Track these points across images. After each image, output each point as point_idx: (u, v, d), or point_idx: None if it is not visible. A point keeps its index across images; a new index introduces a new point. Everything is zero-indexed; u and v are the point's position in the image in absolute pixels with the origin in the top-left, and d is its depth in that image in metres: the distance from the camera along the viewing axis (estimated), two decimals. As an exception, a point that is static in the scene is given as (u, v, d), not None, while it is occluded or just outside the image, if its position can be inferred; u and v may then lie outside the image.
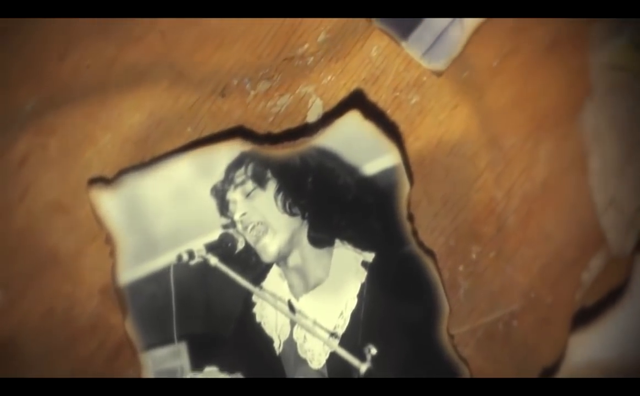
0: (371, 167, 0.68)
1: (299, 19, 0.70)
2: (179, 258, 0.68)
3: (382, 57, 0.69)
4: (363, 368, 0.65)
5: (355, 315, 0.68)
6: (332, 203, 0.68)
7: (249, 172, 0.68)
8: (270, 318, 0.70)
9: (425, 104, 0.69)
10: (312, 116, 0.70)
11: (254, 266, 0.69)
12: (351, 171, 0.68)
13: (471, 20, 0.66)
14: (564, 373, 0.66)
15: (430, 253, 0.68)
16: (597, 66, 0.67)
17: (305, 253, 0.68)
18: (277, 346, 0.69)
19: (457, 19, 0.66)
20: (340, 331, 0.68)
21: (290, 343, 0.69)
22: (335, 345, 0.67)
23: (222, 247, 0.68)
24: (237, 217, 0.68)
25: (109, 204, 0.68)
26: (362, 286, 0.68)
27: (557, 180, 0.68)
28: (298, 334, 0.69)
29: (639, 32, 0.66)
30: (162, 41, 0.70)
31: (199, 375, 0.68)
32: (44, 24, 0.71)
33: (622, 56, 0.66)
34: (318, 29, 0.70)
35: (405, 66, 0.69)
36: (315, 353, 0.69)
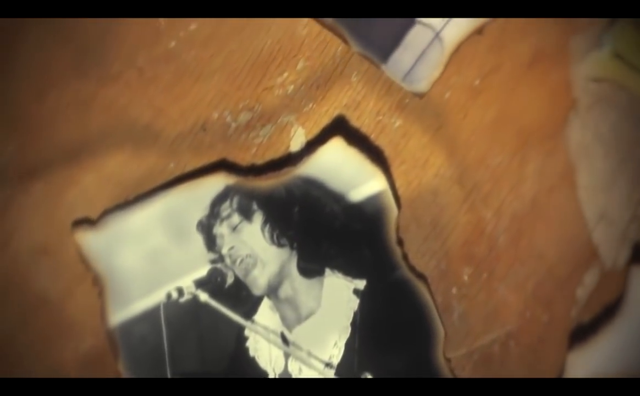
0: (357, 194, 0.67)
1: (277, 47, 0.69)
2: (169, 295, 0.67)
3: (363, 81, 0.69)
4: (360, 398, 0.65)
5: (349, 344, 0.67)
6: (320, 232, 0.67)
7: (235, 206, 0.68)
8: (264, 351, 0.69)
9: (409, 126, 0.68)
10: (295, 145, 0.69)
11: (244, 300, 0.68)
12: (337, 198, 0.67)
13: (451, 41, 0.65)
14: (563, 390, 0.66)
15: (422, 277, 0.68)
16: (580, 79, 0.66)
17: (296, 284, 0.68)
18: (272, 380, 0.69)
19: (437, 40, 0.65)
20: (336, 360, 0.67)
21: (285, 375, 0.68)
22: (331, 375, 0.67)
23: (212, 282, 0.68)
24: (225, 251, 0.68)
25: (95, 245, 0.68)
26: (355, 314, 0.67)
27: (546, 197, 0.68)
28: (293, 366, 0.68)
29: (619, 42, 0.65)
30: (140, 77, 0.70)
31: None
32: (21, 65, 0.70)
33: (604, 67, 0.66)
34: (297, 57, 0.69)
35: (387, 89, 0.68)
36: (311, 385, 0.68)
